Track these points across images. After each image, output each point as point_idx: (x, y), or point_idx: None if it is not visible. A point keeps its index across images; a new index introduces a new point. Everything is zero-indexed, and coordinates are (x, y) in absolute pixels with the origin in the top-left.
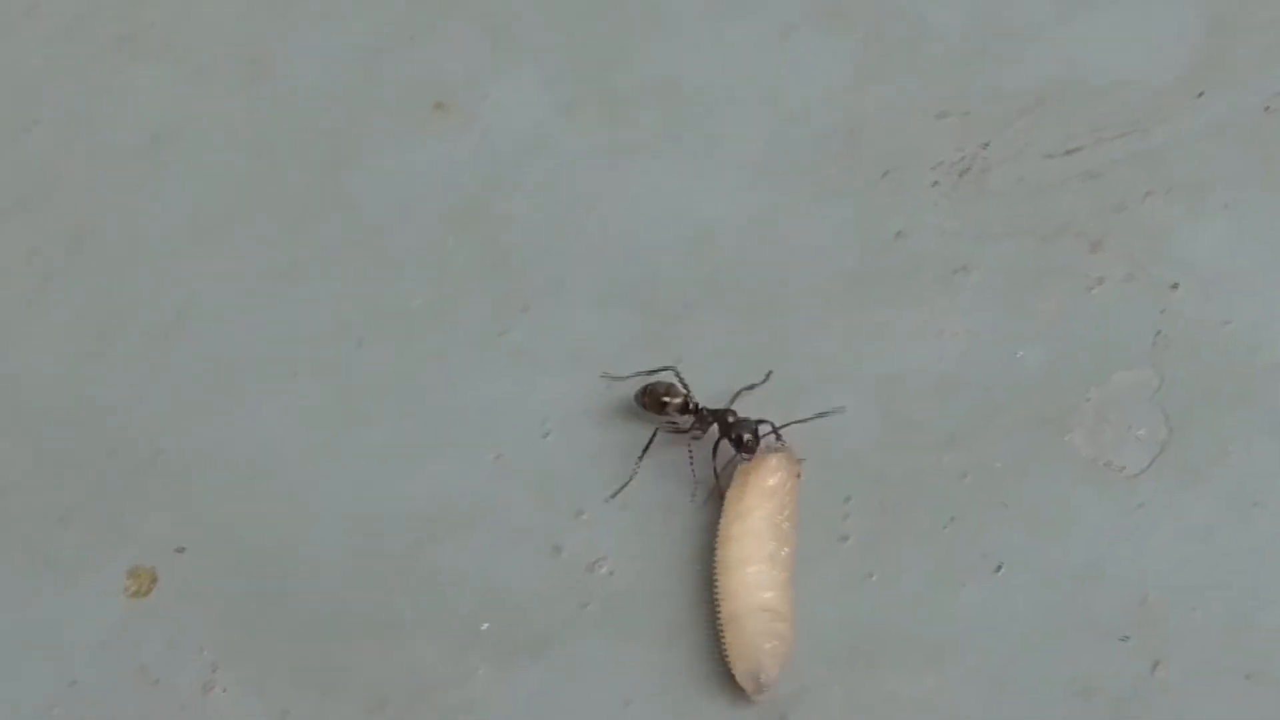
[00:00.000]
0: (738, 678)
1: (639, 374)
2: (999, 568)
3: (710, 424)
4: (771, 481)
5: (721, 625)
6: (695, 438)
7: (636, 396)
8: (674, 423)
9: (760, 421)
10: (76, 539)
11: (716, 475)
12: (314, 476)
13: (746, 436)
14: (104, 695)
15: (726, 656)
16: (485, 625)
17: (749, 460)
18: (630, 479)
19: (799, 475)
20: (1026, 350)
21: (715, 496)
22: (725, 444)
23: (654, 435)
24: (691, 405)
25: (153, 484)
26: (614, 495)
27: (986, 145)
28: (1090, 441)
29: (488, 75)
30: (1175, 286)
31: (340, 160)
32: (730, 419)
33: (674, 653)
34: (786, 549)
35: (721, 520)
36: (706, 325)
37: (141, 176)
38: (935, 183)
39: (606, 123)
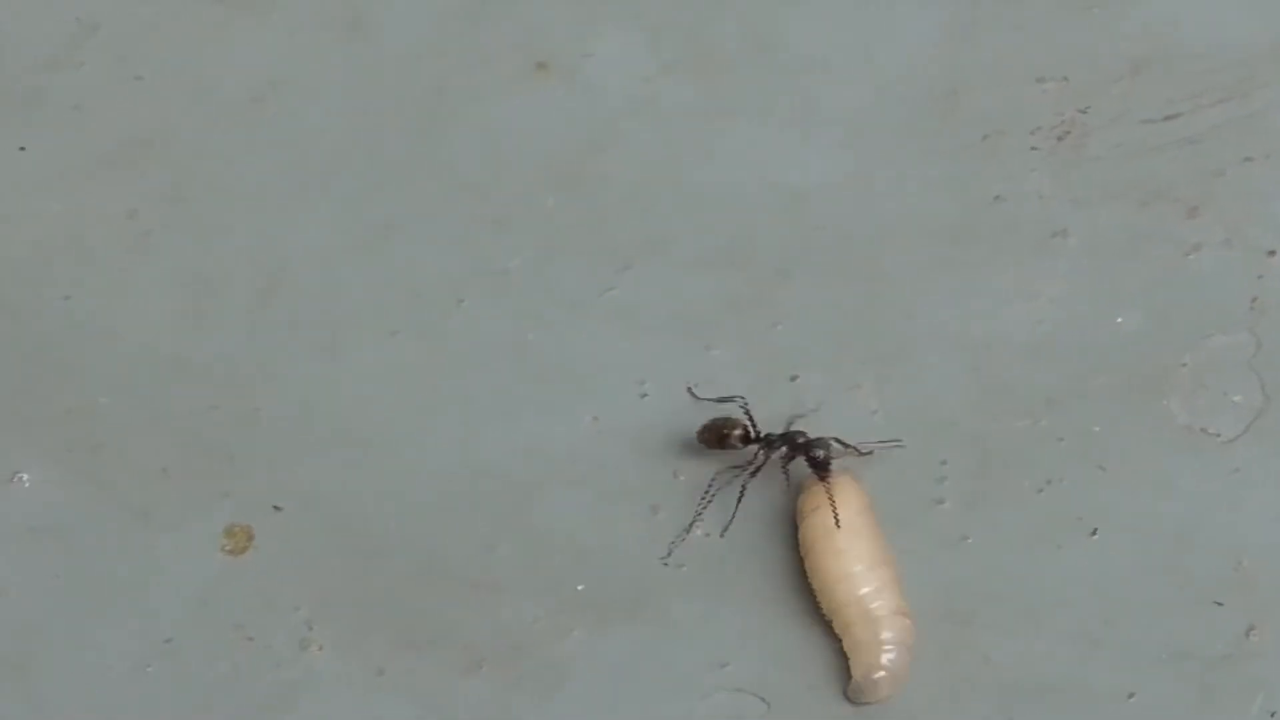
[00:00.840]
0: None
1: (710, 399)
2: (1094, 531)
3: (779, 448)
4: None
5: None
6: (753, 474)
7: (699, 435)
8: (736, 462)
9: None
10: (173, 496)
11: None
12: (412, 435)
13: (822, 454)
14: (199, 652)
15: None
16: (581, 586)
17: (823, 479)
18: (691, 526)
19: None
20: (1124, 315)
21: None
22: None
23: (712, 483)
24: (755, 434)
25: (250, 441)
26: (669, 552)
27: (1085, 110)
28: (1186, 406)
29: (589, 34)
30: (1272, 253)
31: (441, 118)
32: (801, 439)
33: (769, 615)
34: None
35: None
36: (804, 287)
37: (242, 133)
38: (1034, 147)
39: (706, 83)
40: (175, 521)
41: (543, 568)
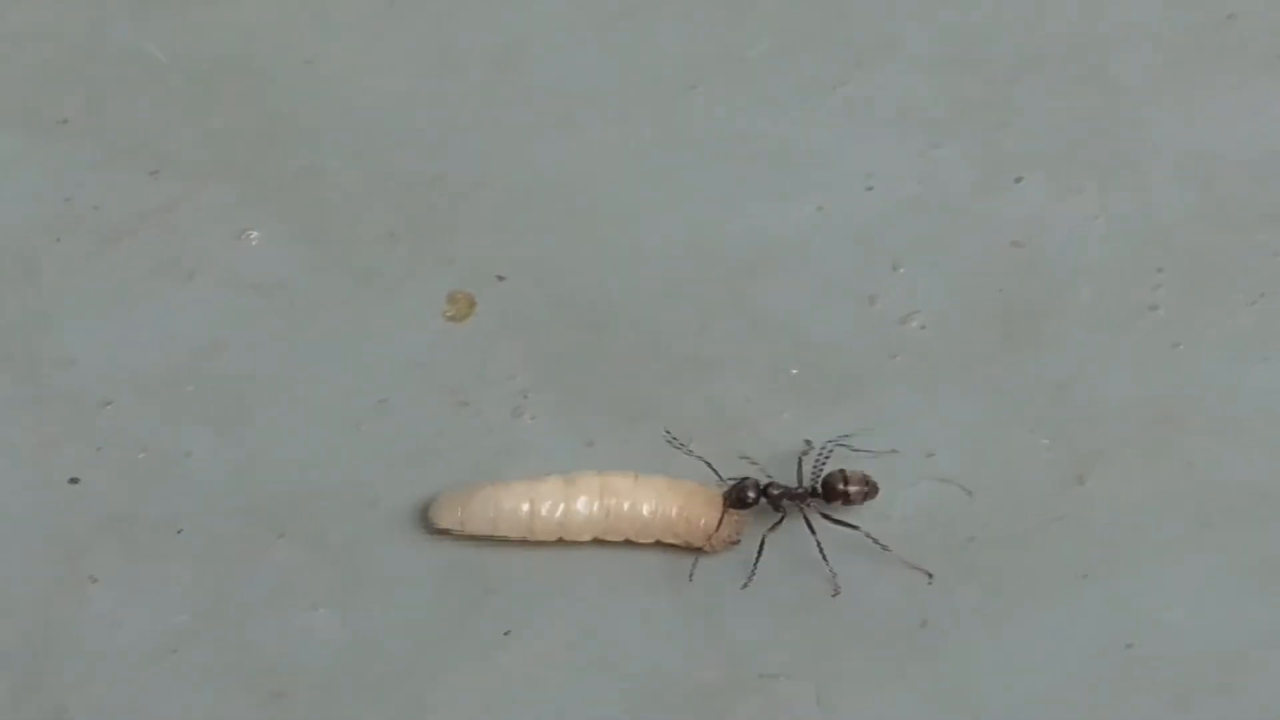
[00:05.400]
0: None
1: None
2: None
3: (805, 497)
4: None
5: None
6: (775, 525)
7: (727, 497)
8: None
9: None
10: (400, 260)
11: (823, 554)
12: (637, 213)
13: (854, 489)
14: (412, 414)
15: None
16: (794, 370)
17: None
18: (753, 574)
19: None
20: None
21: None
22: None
23: (762, 544)
24: (776, 492)
25: (478, 211)
26: (745, 585)
27: None
28: None
29: None
30: None
31: None
32: (819, 480)
33: (978, 407)
34: None
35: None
36: (1033, 91)
37: None
38: None
39: None
40: (398, 285)
41: (757, 350)
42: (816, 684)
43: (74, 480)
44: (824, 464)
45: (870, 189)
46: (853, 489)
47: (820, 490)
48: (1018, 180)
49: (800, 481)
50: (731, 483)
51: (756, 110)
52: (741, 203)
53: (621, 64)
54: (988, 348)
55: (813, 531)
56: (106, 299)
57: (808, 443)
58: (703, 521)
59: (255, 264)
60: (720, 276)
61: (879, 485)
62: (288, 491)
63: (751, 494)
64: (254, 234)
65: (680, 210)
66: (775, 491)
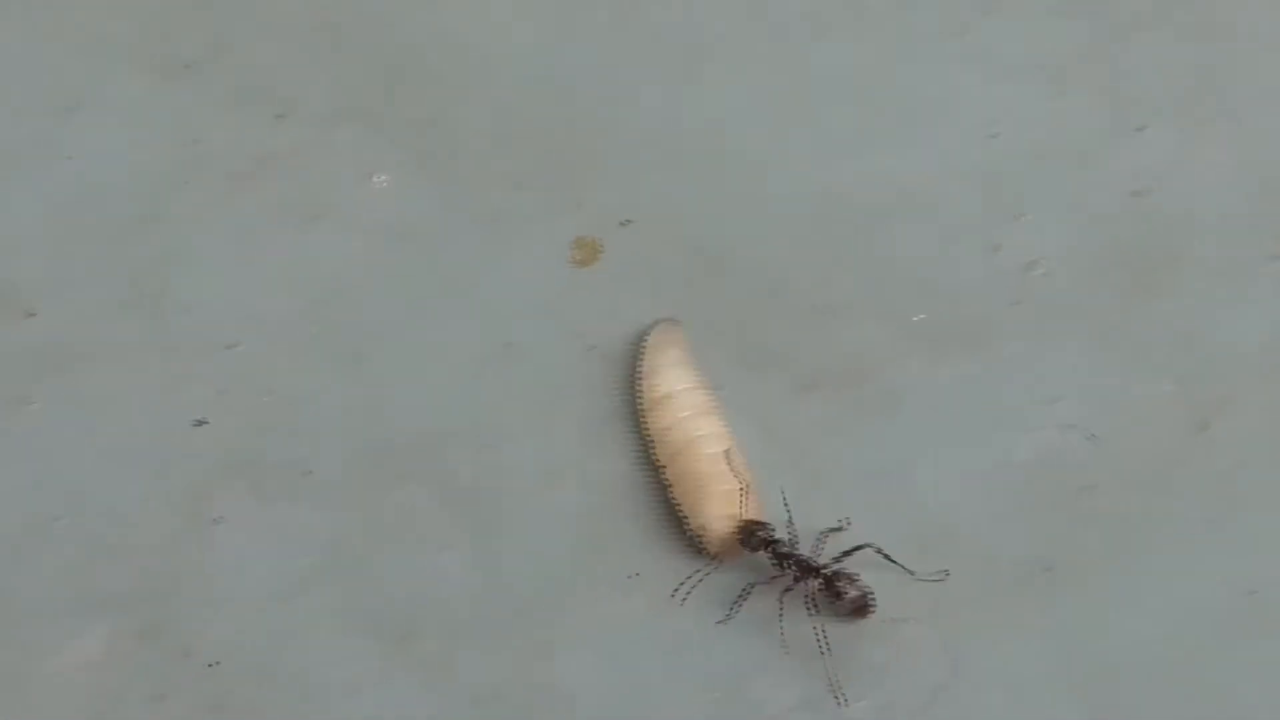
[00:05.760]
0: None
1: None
2: None
3: (808, 574)
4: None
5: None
6: (789, 588)
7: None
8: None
9: (859, 548)
10: (527, 205)
11: (818, 637)
12: (764, 158)
13: (851, 595)
14: (538, 357)
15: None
16: (919, 316)
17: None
18: (734, 610)
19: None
20: None
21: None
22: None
23: (748, 591)
24: (783, 550)
25: (605, 157)
26: (722, 621)
27: None
28: None
29: None
30: None
31: None
32: (826, 574)
33: (1101, 354)
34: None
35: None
36: (1158, 40)
37: None
38: None
39: None
40: (525, 230)
41: (883, 296)
42: (942, 629)
43: (200, 422)
44: (845, 556)
45: (994, 136)
46: (850, 594)
47: (824, 576)
48: (1140, 129)
49: (813, 556)
50: (751, 517)
51: (882, 58)
52: (867, 150)
53: (750, 11)
54: (1111, 295)
55: (810, 611)
56: (233, 242)
57: (841, 522)
58: (705, 527)
59: (381, 208)
60: (846, 223)
61: (874, 608)
62: (414, 434)
63: (757, 540)
64: (381, 178)
65: (806, 157)
66: (783, 550)
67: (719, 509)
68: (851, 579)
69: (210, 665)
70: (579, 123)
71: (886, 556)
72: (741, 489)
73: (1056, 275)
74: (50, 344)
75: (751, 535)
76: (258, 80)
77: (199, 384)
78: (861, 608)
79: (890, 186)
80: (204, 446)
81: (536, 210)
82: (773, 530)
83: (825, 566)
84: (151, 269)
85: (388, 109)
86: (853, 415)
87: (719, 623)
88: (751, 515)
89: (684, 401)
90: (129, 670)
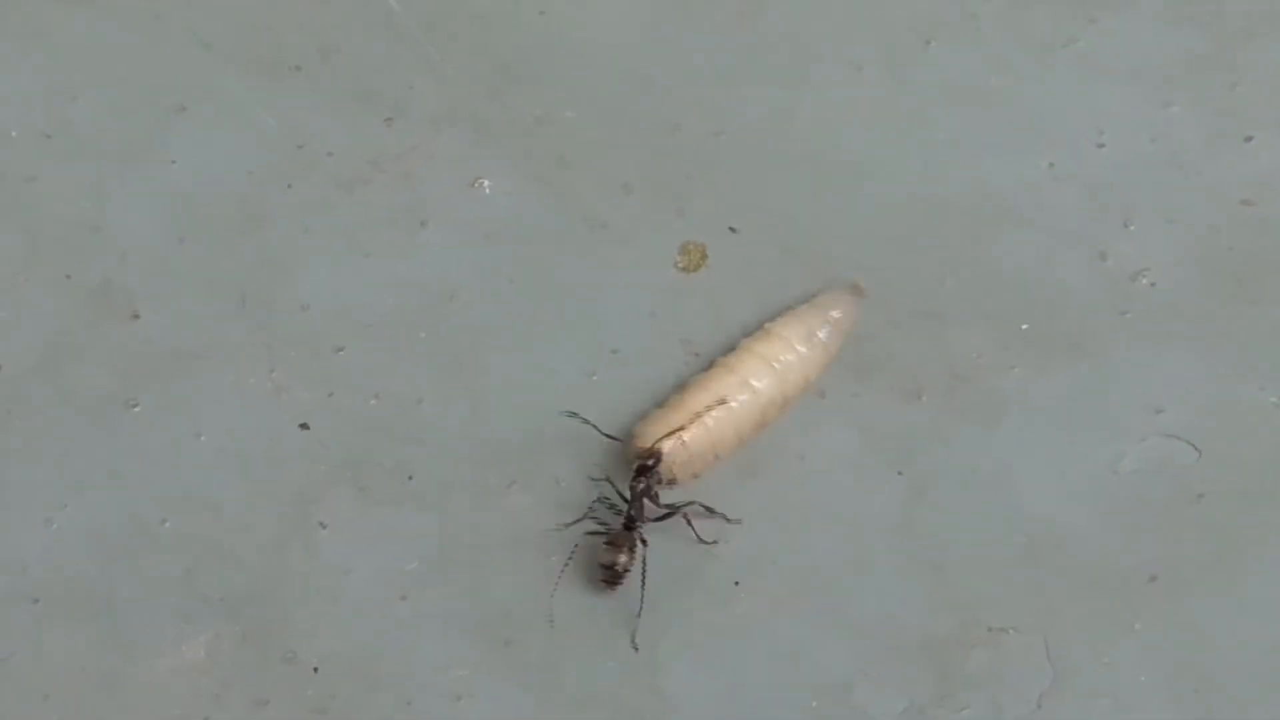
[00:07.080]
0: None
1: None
2: None
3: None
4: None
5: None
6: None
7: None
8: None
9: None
10: (632, 210)
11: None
12: (870, 166)
13: (605, 559)
14: (644, 364)
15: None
16: (1025, 324)
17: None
18: (566, 565)
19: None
20: None
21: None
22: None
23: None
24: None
25: (712, 162)
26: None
27: None
28: None
29: None
30: None
31: None
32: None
33: (1207, 364)
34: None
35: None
36: (1266, 49)
37: None
38: None
39: None
40: (631, 235)
41: (989, 303)
42: (1046, 637)
43: (305, 426)
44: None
45: (1101, 145)
46: (604, 559)
47: (624, 525)
48: (1248, 139)
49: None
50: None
51: (989, 65)
52: (973, 157)
53: (858, 16)
54: (1217, 305)
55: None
56: (339, 245)
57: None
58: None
59: (488, 212)
60: (951, 230)
61: (609, 584)
62: (519, 439)
63: (637, 465)
64: (487, 182)
65: (912, 164)
66: (634, 487)
67: (661, 429)
68: (623, 547)
69: (313, 670)
70: (686, 128)
71: (708, 509)
72: (680, 429)
73: (1163, 284)
74: (156, 346)
75: (639, 458)
76: (366, 84)
77: (305, 388)
78: (609, 573)
79: (996, 194)
80: (309, 450)
81: (643, 215)
82: (658, 475)
83: (637, 521)
84: (258, 272)
85: (494, 113)
86: (955, 425)
87: (568, 525)
88: (668, 454)
89: (773, 350)
90: (232, 674)
